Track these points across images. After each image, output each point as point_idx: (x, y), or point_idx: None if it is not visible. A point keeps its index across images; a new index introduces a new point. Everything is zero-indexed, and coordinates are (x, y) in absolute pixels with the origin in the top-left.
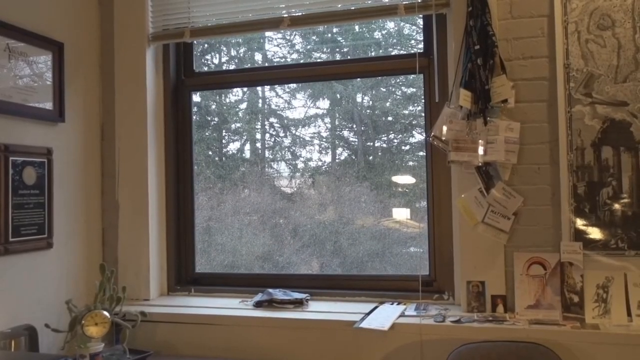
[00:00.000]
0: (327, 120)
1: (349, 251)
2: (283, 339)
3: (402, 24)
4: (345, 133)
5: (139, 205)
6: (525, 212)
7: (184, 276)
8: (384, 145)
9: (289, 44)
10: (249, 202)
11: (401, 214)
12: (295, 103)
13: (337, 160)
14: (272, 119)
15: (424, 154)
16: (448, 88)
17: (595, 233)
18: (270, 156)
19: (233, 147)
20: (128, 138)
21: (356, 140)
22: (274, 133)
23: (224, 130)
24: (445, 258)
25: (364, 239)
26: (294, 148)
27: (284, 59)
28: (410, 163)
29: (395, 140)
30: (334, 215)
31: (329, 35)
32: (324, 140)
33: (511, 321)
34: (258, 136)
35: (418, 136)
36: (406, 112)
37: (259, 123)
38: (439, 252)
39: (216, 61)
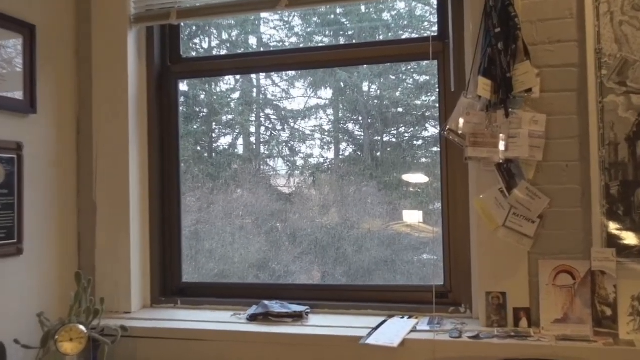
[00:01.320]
0: (330, 111)
1: (354, 259)
2: (280, 356)
3: (414, 3)
4: (350, 126)
5: (119, 207)
6: (551, 214)
7: (170, 286)
8: (394, 139)
9: (287, 26)
10: (242, 204)
11: (413, 217)
12: (294, 92)
13: (340, 157)
14: (268, 111)
15: (438, 149)
16: (465, 76)
17: (630, 238)
18: (266, 152)
19: (224, 141)
20: (107, 132)
21: (362, 134)
22: (270, 126)
23: (214, 123)
24: (462, 266)
25: (371, 245)
26: (292, 143)
27: (281, 44)
28: (423, 160)
29: (406, 135)
30: (338, 218)
31: (332, 16)
32: (326, 134)
33: (536, 337)
34: (252, 129)
35: (432, 130)
36: (418, 102)
37: (254, 115)
38: (455, 259)
39: (206, 45)
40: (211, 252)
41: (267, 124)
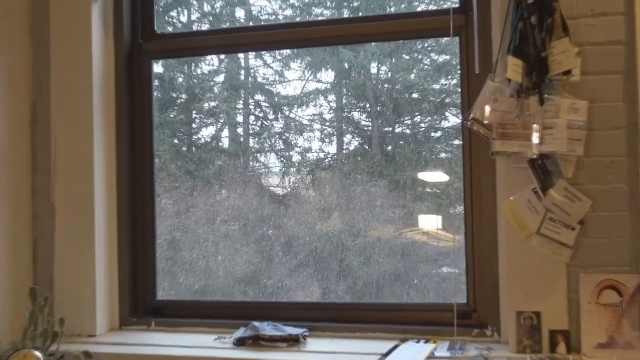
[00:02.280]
0: (332, 97)
1: (361, 272)
2: None
3: None
4: (356, 115)
5: (82, 210)
6: (595, 220)
7: (142, 305)
8: (408, 131)
9: None
10: (227, 207)
11: (430, 222)
12: (290, 75)
13: (344, 152)
14: (258, 97)
15: (460, 143)
16: (492, 55)
17: None
18: (256, 146)
19: (207, 133)
20: (68, 122)
21: (370, 124)
22: (260, 115)
23: (194, 112)
24: (489, 281)
25: (380, 256)
26: (287, 135)
27: (274, 17)
28: (443, 155)
29: (422, 125)
30: (341, 224)
31: None
32: (328, 124)
33: None
34: (240, 119)
35: (452, 119)
36: (437, 87)
37: (241, 102)
38: (480, 273)
39: (184, 19)
40: (191, 265)
41: (257, 113)
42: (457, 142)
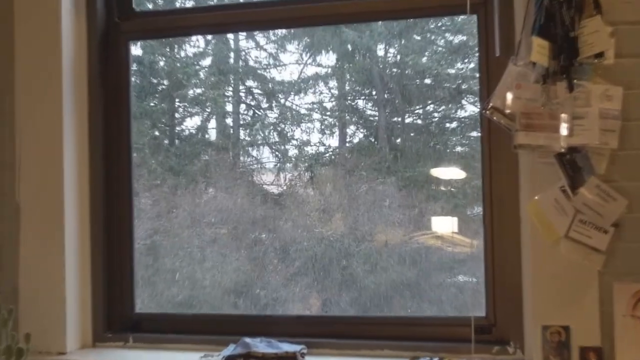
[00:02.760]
0: (333, 83)
1: (366, 281)
2: None
3: None
4: (361, 103)
5: (51, 211)
6: (630, 221)
7: (118, 318)
8: (419, 121)
9: None
10: (215, 208)
11: (444, 225)
12: (285, 58)
13: (347, 145)
14: (249, 82)
15: (478, 134)
16: (514, 36)
17: None
18: (248, 138)
19: (191, 124)
20: (34, 112)
21: (376, 113)
22: (252, 103)
23: (177, 100)
24: (511, 292)
25: (388, 263)
26: (282, 126)
27: None
28: (458, 149)
29: (435, 115)
30: (343, 227)
31: None
32: (328, 114)
33: None
34: (229, 108)
35: (470, 108)
36: (452, 71)
37: (230, 88)
38: (501, 282)
39: None
40: (174, 273)
41: (248, 101)
42: (474, 133)
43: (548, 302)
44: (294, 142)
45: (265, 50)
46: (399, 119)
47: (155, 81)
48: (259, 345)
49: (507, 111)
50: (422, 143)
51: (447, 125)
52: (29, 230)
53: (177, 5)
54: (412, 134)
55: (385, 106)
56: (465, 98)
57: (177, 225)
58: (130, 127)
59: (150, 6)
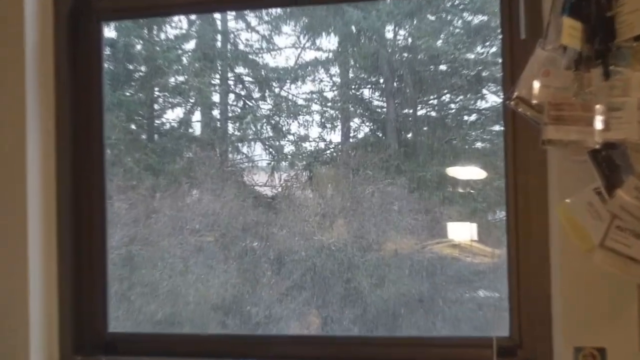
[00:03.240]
0: (335, 70)
1: (373, 296)
2: None
3: None
4: (366, 93)
5: (11, 216)
6: None
7: (89, 338)
8: (433, 113)
9: None
10: (199, 213)
11: (462, 232)
12: (280, 41)
13: (351, 141)
14: (239, 69)
15: (501, 128)
16: (542, 15)
17: None
18: (237, 133)
19: (172, 116)
20: None
21: (384, 104)
22: (243, 93)
23: (156, 89)
24: (538, 308)
25: (398, 275)
26: (277, 119)
27: None
28: (478, 145)
29: (451, 106)
30: (347, 234)
31: None
32: (330, 105)
33: None
34: (215, 98)
35: (491, 98)
36: (471, 56)
37: (217, 76)
38: (528, 298)
39: None
40: (153, 287)
41: (238, 90)
42: (496, 127)
43: (581, 321)
44: (290, 137)
45: (257, 32)
46: (410, 111)
47: (131, 67)
48: None
49: (534, 102)
50: (436, 138)
51: (466, 117)
52: None
53: None
54: (425, 128)
55: (395, 96)
56: (486, 87)
57: (157, 232)
58: (103, 120)
59: None
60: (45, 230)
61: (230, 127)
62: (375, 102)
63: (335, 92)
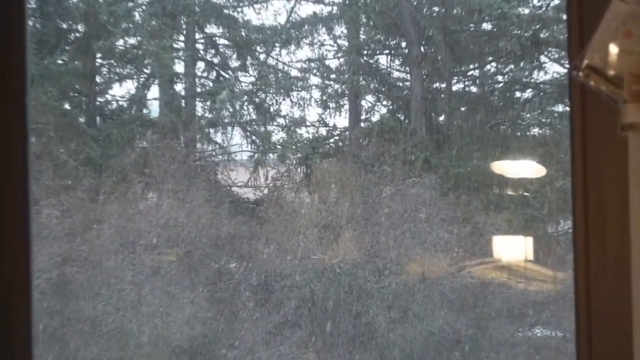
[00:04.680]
0: (341, 30)
1: (392, 336)
2: None
3: None
4: (383, 61)
5: None
6: None
7: None
8: (473, 89)
9: None
10: (157, 223)
11: (513, 249)
12: None
13: (362, 125)
14: (211, 28)
15: (565, 108)
16: None
17: None
18: (208, 114)
19: (121, 92)
20: None
21: (407, 77)
22: (216, 61)
23: (99, 55)
24: (616, 349)
25: (425, 307)
26: (262, 96)
27: None
28: (535, 131)
29: (498, 78)
30: (357, 252)
31: None
32: (333, 78)
33: None
34: (179, 68)
35: (553, 68)
36: (524, 11)
37: (181, 38)
38: (601, 338)
39: None
40: (94, 323)
41: (209, 57)
42: (559, 107)
43: None
44: (281, 120)
45: None
46: (443, 85)
47: (64, 26)
48: None
49: (611, 72)
50: (478, 122)
51: (517, 94)
52: None
53: None
54: (462, 109)
55: (422, 65)
56: (546, 53)
57: (100, 249)
58: (26, 97)
59: None
60: None
61: (199, 107)
62: (396, 74)
63: (341, 60)
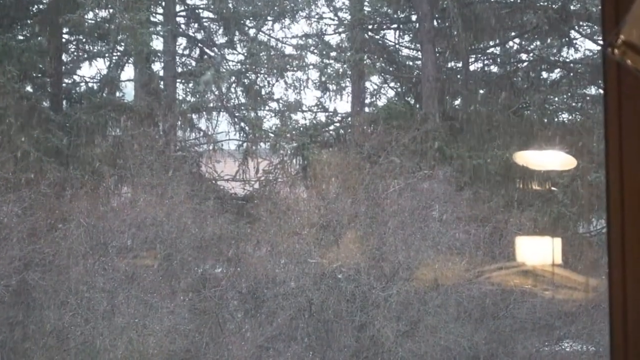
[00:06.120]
0: (342, 0)
1: (401, 351)
2: None
3: None
4: (391, 36)
5: None
6: None
7: None
8: (494, 68)
9: None
10: (132, 222)
11: (539, 251)
12: None
13: (367, 110)
14: None
15: (599, 91)
16: None
17: None
18: (190, 98)
19: (90, 73)
20: None
21: (419, 55)
22: (199, 37)
23: (65, 30)
24: None
25: (439, 318)
26: (252, 77)
27: None
28: (564, 117)
29: (522, 57)
30: (360, 255)
31: None
32: (334, 56)
33: None
34: (157, 45)
35: (585, 45)
36: None
37: (159, 10)
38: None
39: None
40: (60, 336)
41: (191, 32)
42: (591, 89)
43: None
44: (274, 104)
45: None
46: (459, 65)
47: None
48: None
49: None
50: (499, 106)
51: (544, 74)
52: None
53: None
54: (481, 91)
55: (435, 42)
56: (577, 27)
57: (67, 251)
58: None
59: None
60: None
61: (180, 90)
62: (405, 51)
63: (343, 36)
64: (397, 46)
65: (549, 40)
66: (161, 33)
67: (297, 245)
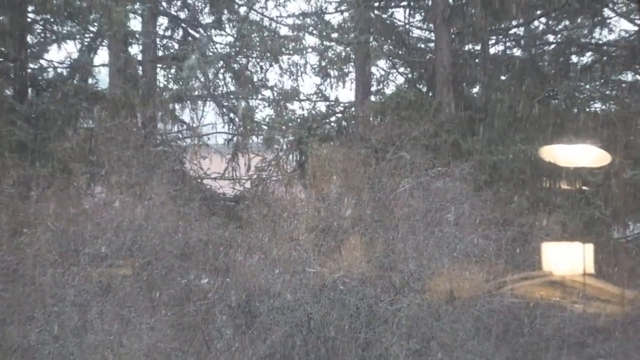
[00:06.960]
0: None
1: None
2: None
3: None
4: (400, 16)
5: None
6: None
7: None
8: (516, 51)
9: None
10: (107, 225)
11: (568, 259)
12: None
13: (373, 99)
14: None
15: (634, 77)
16: None
17: None
18: (173, 86)
19: (59, 57)
20: None
21: (431, 36)
22: (182, 16)
23: (30, 9)
24: None
25: (455, 334)
26: (243, 62)
27: None
28: (597, 106)
29: (549, 38)
30: (365, 264)
31: None
32: (335, 38)
33: None
34: (135, 25)
35: (621, 25)
36: None
37: None
38: None
39: None
40: (26, 355)
41: (174, 11)
42: (627, 76)
43: None
44: (267, 93)
45: None
46: (477, 47)
47: None
48: None
49: None
50: (523, 95)
51: (574, 59)
52: None
53: None
54: (503, 77)
55: (450, 21)
56: (611, 4)
57: (33, 259)
58: None
59: None
60: None
61: (161, 76)
62: (416, 32)
63: (345, 15)
64: (407, 26)
65: (579, 20)
66: (139, 12)
67: (294, 253)
